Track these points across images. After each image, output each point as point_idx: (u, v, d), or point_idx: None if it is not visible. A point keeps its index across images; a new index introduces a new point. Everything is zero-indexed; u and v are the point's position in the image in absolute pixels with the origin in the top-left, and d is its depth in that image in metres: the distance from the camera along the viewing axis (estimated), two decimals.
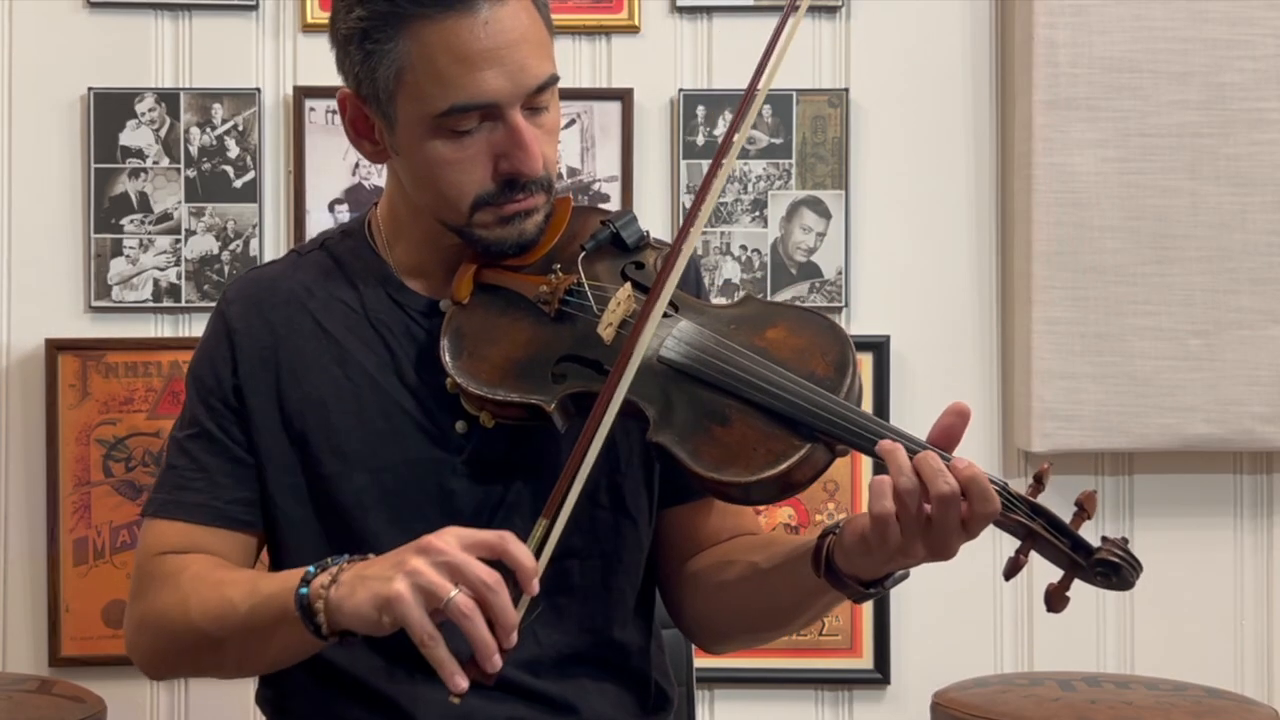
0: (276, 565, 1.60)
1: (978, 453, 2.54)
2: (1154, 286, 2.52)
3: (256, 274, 1.67)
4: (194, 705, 2.57)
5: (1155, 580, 2.59)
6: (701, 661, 2.06)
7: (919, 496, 1.30)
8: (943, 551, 1.33)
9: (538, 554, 1.32)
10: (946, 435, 1.34)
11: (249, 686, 1.70)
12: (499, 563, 1.30)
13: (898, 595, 2.58)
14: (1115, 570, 1.30)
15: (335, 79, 2.47)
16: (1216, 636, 2.62)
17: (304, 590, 1.37)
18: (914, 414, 2.50)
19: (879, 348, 2.57)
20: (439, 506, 1.53)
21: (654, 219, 2.55)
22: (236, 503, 1.57)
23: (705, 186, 1.47)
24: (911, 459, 1.30)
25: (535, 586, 1.30)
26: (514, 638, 1.29)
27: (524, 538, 1.33)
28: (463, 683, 1.28)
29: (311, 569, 1.38)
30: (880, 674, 2.59)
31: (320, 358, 1.56)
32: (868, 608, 2.58)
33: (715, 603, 1.59)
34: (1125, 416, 2.52)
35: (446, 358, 1.48)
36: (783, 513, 2.59)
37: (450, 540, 1.30)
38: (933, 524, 1.30)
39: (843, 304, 2.58)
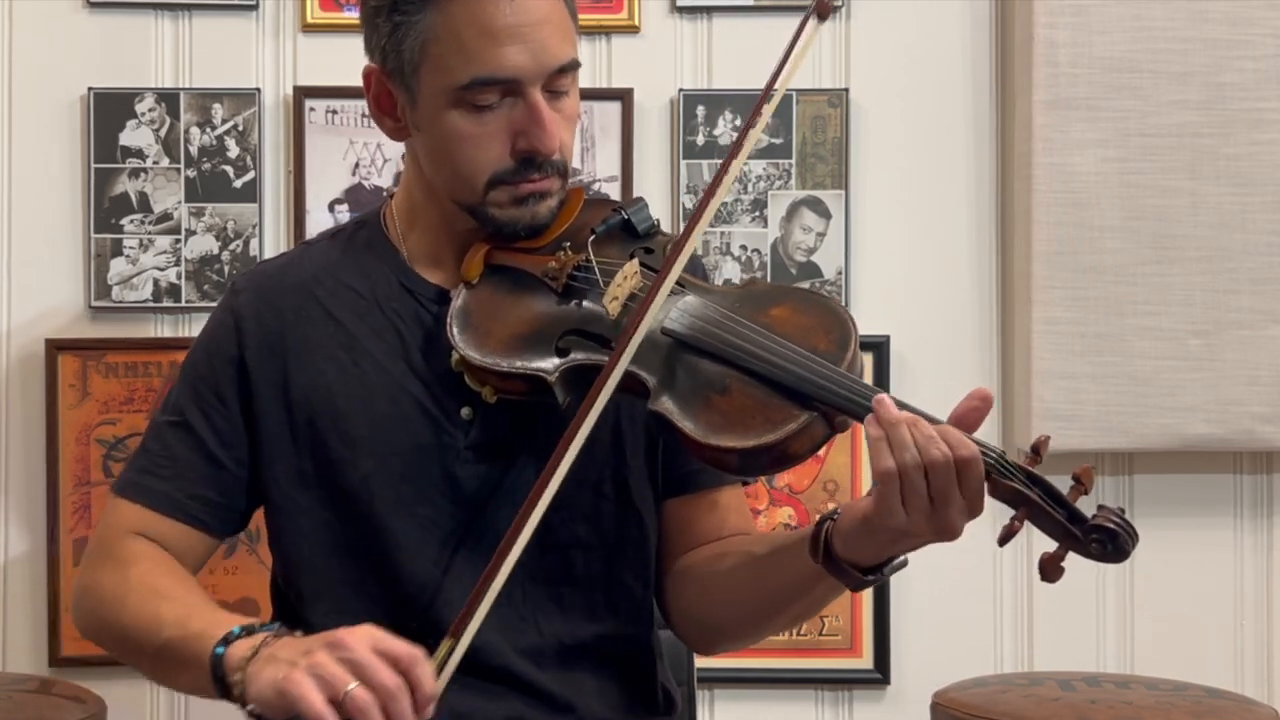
0: (282, 553, 1.60)
1: None
2: (1154, 286, 2.52)
3: (266, 265, 1.71)
4: (194, 705, 2.56)
5: (1155, 580, 2.61)
6: (702, 661, 2.06)
7: (916, 458, 1.29)
8: (946, 528, 1.32)
9: (440, 671, 1.31)
10: (963, 420, 1.33)
11: None
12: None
13: (898, 595, 2.58)
14: (1112, 538, 1.28)
15: (335, 79, 2.52)
16: (1216, 636, 2.62)
17: (220, 650, 1.38)
18: None
19: (879, 348, 2.57)
20: (443, 491, 1.54)
21: None
22: (196, 499, 1.58)
23: (719, 177, 1.50)
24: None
25: (430, 711, 1.30)
26: None
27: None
28: None
29: (236, 629, 1.39)
30: (880, 674, 2.59)
31: (327, 344, 1.57)
32: (868, 608, 2.58)
33: (708, 595, 1.59)
34: (1125, 416, 2.52)
35: (453, 332, 1.50)
36: (782, 512, 2.59)
37: (361, 639, 1.30)
38: (931, 491, 1.30)
39: (843, 304, 2.58)
